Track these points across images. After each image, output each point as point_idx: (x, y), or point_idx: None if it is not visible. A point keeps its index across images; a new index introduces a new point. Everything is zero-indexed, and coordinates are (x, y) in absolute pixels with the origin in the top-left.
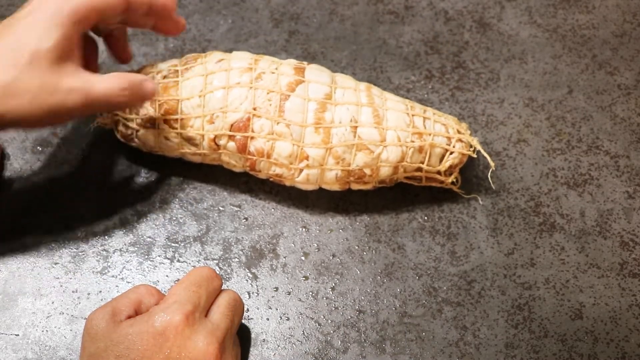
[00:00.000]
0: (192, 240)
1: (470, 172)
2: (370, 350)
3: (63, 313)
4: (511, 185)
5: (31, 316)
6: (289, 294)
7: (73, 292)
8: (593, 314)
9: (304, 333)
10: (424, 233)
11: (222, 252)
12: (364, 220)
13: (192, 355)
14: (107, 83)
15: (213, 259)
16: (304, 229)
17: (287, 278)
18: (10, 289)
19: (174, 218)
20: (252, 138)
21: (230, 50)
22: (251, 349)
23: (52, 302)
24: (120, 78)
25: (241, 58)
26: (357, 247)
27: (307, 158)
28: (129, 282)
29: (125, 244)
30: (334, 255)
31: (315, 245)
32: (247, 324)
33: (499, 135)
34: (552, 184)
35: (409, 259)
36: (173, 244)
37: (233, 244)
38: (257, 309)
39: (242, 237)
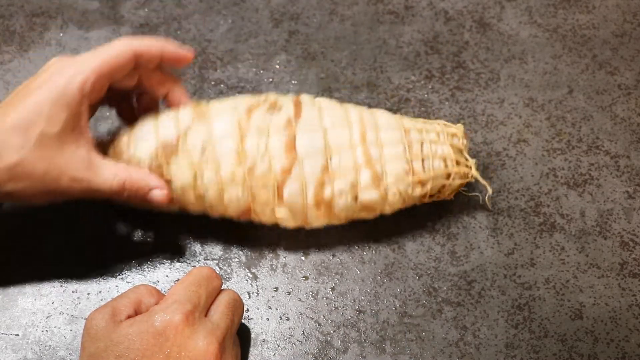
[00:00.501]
0: (192, 240)
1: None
2: (370, 350)
3: (63, 313)
4: (511, 185)
5: (31, 316)
6: (289, 294)
7: (73, 292)
8: (593, 314)
9: (304, 333)
10: (424, 233)
11: (222, 252)
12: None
13: (192, 354)
14: (110, 178)
15: (213, 259)
16: (304, 229)
17: (287, 278)
18: (10, 289)
19: (174, 217)
20: (255, 216)
21: (230, 51)
22: (251, 349)
23: (52, 302)
24: (126, 177)
25: (224, 133)
26: (357, 247)
27: (310, 225)
28: (129, 282)
29: (125, 244)
30: (334, 255)
31: (315, 245)
32: (247, 324)
33: (499, 135)
34: (552, 184)
35: (409, 259)
36: (173, 244)
37: (233, 244)
38: (257, 309)
39: (242, 237)
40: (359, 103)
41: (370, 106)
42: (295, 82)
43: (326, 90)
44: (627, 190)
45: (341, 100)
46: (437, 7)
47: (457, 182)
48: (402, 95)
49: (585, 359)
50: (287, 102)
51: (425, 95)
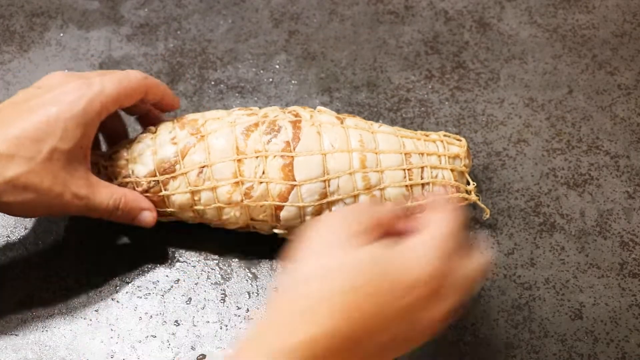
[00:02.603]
0: (191, 240)
1: (470, 173)
2: None
3: (63, 313)
4: (511, 185)
5: (32, 316)
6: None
7: (73, 291)
8: (593, 314)
9: None
10: None
11: (222, 252)
12: None
13: (426, 321)
14: (107, 197)
15: (213, 259)
16: None
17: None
18: (10, 288)
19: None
20: (254, 229)
21: (230, 51)
22: None
23: (53, 302)
24: (120, 197)
25: (221, 155)
26: None
27: None
28: (128, 282)
29: (125, 244)
30: None
31: None
32: (247, 324)
33: (499, 135)
34: (552, 184)
35: None
36: (173, 244)
37: (233, 244)
38: (257, 309)
39: (242, 237)
40: (359, 103)
41: (370, 106)
42: (295, 82)
43: (326, 90)
44: (627, 190)
45: (341, 100)
46: (437, 7)
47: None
48: (402, 95)
49: (585, 359)
50: (285, 121)
51: (425, 95)
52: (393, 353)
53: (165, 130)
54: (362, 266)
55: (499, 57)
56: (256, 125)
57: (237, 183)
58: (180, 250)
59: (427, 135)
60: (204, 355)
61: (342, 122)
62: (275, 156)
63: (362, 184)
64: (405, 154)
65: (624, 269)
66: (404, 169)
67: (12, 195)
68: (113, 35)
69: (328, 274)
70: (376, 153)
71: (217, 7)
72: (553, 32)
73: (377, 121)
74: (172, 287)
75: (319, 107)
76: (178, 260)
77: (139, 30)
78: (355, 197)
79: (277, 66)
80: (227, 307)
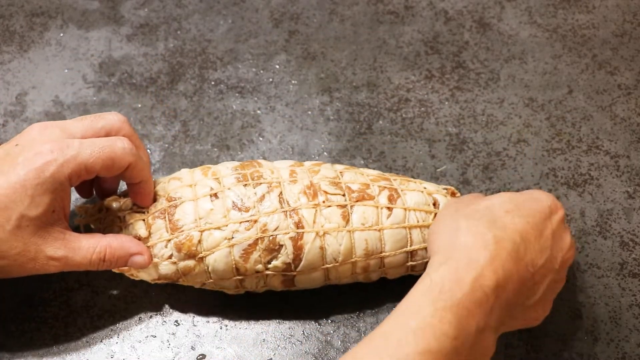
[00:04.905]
0: None
1: (470, 172)
2: None
3: (63, 313)
4: (511, 185)
5: (32, 316)
6: (290, 294)
7: (73, 291)
8: (593, 314)
9: (304, 333)
10: None
11: None
12: None
13: (565, 245)
14: (89, 253)
15: None
16: None
17: None
18: (11, 285)
19: None
20: None
21: (230, 51)
22: (251, 349)
23: (53, 302)
24: (104, 248)
25: (223, 275)
26: None
27: None
28: (127, 282)
29: None
30: None
31: None
32: (247, 324)
33: (499, 135)
34: (552, 184)
35: None
36: None
37: None
38: (258, 308)
39: None
40: (359, 103)
41: (370, 106)
42: (295, 82)
43: (326, 90)
44: (627, 190)
45: (341, 100)
46: (437, 7)
47: None
48: (402, 95)
49: (585, 358)
50: (286, 237)
51: (425, 95)
52: (548, 282)
53: (159, 241)
54: (503, 200)
55: (499, 57)
56: (255, 244)
57: (238, 289)
58: None
59: (435, 205)
60: (203, 355)
61: (348, 220)
62: (276, 274)
63: (361, 268)
64: (412, 252)
65: (624, 269)
66: (407, 252)
67: None
68: (113, 35)
69: (484, 208)
70: (382, 257)
71: (217, 7)
72: (553, 32)
73: (377, 121)
74: (173, 286)
75: (312, 166)
76: None
77: (139, 30)
78: (354, 276)
79: (277, 66)
80: (228, 306)
